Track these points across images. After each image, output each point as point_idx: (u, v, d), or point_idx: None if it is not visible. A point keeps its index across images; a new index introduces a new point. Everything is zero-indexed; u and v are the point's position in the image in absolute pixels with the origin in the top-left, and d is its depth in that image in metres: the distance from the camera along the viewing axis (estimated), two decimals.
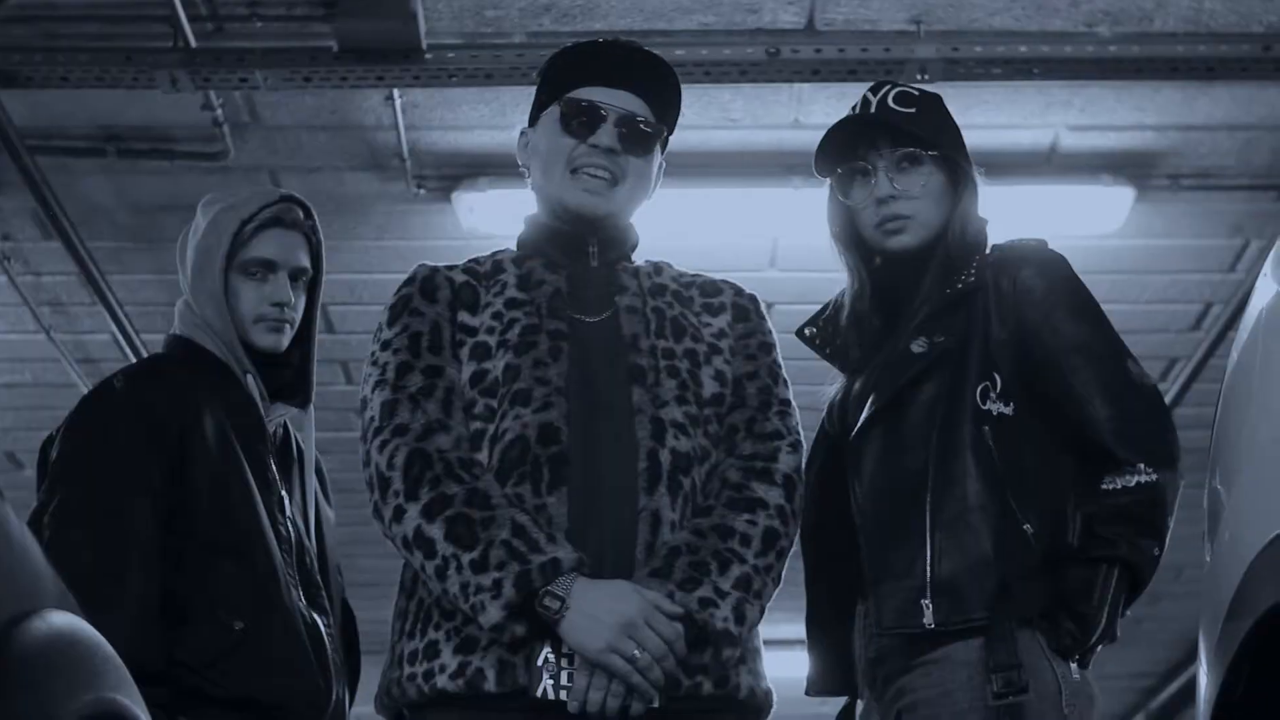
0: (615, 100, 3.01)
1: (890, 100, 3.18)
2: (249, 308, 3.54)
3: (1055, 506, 3.02)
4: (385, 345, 2.96)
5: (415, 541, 2.79)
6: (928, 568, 2.97)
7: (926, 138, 3.15)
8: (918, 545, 2.99)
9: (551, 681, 2.75)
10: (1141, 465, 2.96)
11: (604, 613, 2.70)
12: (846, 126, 3.19)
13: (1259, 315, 2.45)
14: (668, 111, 3.09)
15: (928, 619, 2.96)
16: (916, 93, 3.23)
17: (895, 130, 3.15)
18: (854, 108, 3.23)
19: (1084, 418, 3.02)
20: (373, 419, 2.90)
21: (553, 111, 3.04)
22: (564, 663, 2.75)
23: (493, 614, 2.71)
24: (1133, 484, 2.96)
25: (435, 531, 2.77)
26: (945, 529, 2.98)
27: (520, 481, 2.83)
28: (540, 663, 2.75)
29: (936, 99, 3.25)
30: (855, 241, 3.22)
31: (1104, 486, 2.97)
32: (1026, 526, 2.97)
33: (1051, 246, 3.17)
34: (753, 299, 3.13)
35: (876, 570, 3.05)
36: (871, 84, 3.27)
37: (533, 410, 2.86)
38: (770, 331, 3.11)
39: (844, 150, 3.19)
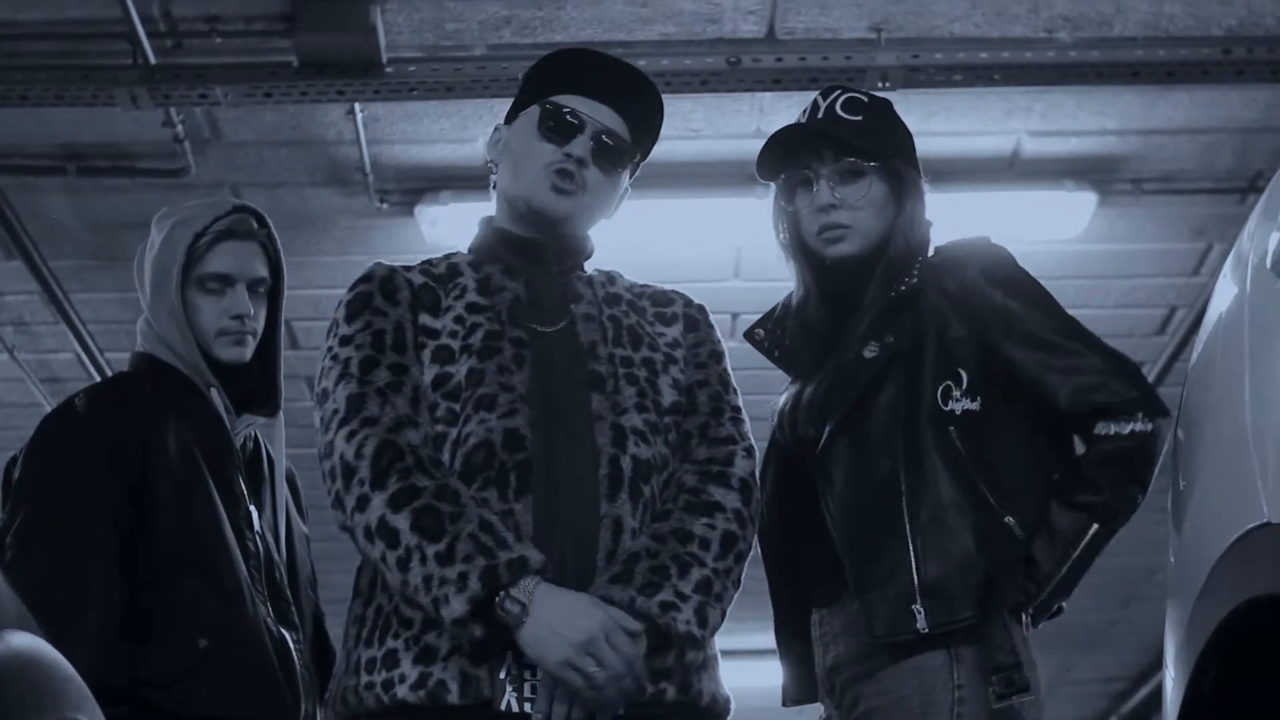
0: (594, 113, 3.00)
1: (838, 107, 3.19)
2: (209, 322, 3.53)
3: (1038, 498, 3.03)
4: (346, 340, 2.91)
5: (378, 531, 2.74)
6: (913, 572, 2.97)
7: (869, 149, 3.16)
8: (900, 552, 2.99)
9: (515, 694, 2.73)
10: (1140, 414, 2.97)
11: (564, 627, 2.68)
12: (789, 135, 3.20)
13: (1218, 316, 2.46)
14: (645, 135, 3.09)
15: (921, 624, 2.95)
16: (866, 99, 3.23)
17: (838, 141, 3.16)
18: (804, 111, 3.24)
19: (1073, 384, 3.02)
20: (336, 411, 2.85)
21: (532, 113, 3.03)
22: (527, 674, 2.73)
23: (456, 607, 2.67)
24: (1127, 431, 2.97)
25: (401, 522, 2.73)
26: (924, 532, 2.98)
27: (485, 486, 2.80)
28: (503, 675, 2.73)
29: (886, 105, 3.25)
30: (802, 247, 3.24)
31: (1098, 431, 2.98)
32: (1009, 519, 2.98)
33: (1015, 251, 3.18)
34: (701, 309, 3.13)
35: (860, 582, 3.03)
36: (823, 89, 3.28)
37: (498, 416, 2.84)
38: (719, 340, 3.11)
39: (788, 157, 3.21)
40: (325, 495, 2.84)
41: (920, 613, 2.95)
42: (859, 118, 3.18)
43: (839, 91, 3.23)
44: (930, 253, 3.19)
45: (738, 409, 3.03)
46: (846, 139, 3.15)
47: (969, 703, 2.91)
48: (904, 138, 3.24)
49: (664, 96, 3.12)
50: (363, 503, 2.76)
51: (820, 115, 3.20)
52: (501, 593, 2.68)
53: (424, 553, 2.71)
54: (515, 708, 2.72)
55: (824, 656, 3.10)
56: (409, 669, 2.76)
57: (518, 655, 2.72)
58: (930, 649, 2.95)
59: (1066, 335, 3.06)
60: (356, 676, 2.83)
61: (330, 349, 2.93)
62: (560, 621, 2.68)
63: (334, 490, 2.81)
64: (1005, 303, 3.07)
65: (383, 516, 2.74)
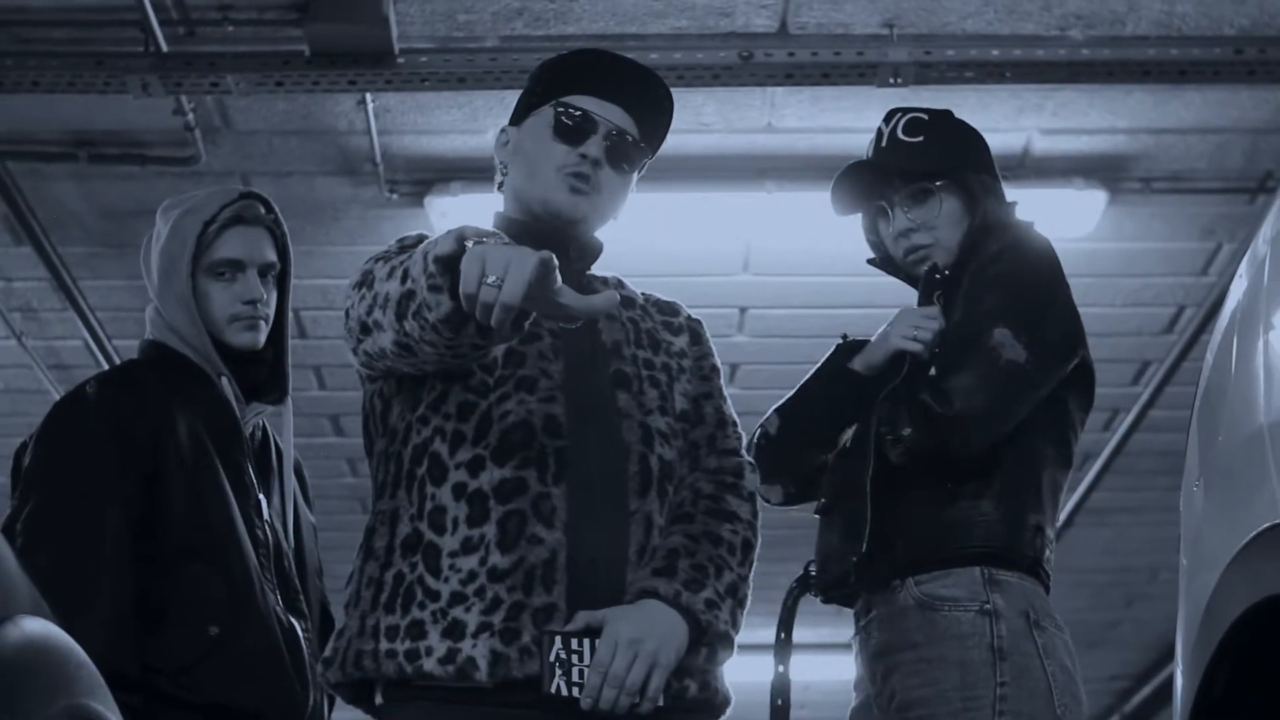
0: (607, 113, 3.00)
1: (900, 130, 3.30)
2: (221, 309, 3.53)
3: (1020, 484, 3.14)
4: (376, 258, 2.84)
5: (382, 303, 2.69)
6: (866, 530, 3.16)
7: (932, 169, 3.24)
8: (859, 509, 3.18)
9: (564, 679, 2.72)
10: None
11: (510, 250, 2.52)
12: (857, 172, 3.30)
13: (1233, 314, 2.46)
14: (654, 135, 3.09)
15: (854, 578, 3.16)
16: (926, 116, 3.31)
17: (901, 170, 3.25)
18: (870, 142, 3.34)
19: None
20: (369, 270, 2.78)
21: (545, 114, 3.01)
22: (575, 659, 2.73)
23: (443, 246, 2.54)
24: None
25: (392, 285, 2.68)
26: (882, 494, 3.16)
27: (524, 465, 2.81)
28: (552, 659, 2.72)
29: (946, 117, 3.34)
30: (896, 268, 3.38)
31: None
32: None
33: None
34: (700, 321, 3.16)
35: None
36: (886, 111, 3.37)
37: (538, 399, 2.85)
38: (715, 354, 3.14)
39: (861, 192, 3.32)
40: (332, 486, 2.82)
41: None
42: (919, 139, 3.28)
43: (900, 115, 3.32)
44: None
45: (736, 423, 3.08)
46: (908, 166, 3.24)
47: (1011, 700, 2.93)
48: (968, 145, 3.35)
49: (675, 90, 3.13)
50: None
51: (884, 144, 3.30)
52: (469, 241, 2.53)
53: (405, 270, 2.65)
54: (565, 692, 2.72)
55: (867, 643, 3.13)
56: (436, 642, 2.74)
57: (565, 641, 2.73)
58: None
59: (971, 333, 3.11)
60: (375, 641, 2.79)
61: (361, 272, 2.85)
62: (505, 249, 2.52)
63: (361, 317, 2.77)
64: (990, 286, 3.13)
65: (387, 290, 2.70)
